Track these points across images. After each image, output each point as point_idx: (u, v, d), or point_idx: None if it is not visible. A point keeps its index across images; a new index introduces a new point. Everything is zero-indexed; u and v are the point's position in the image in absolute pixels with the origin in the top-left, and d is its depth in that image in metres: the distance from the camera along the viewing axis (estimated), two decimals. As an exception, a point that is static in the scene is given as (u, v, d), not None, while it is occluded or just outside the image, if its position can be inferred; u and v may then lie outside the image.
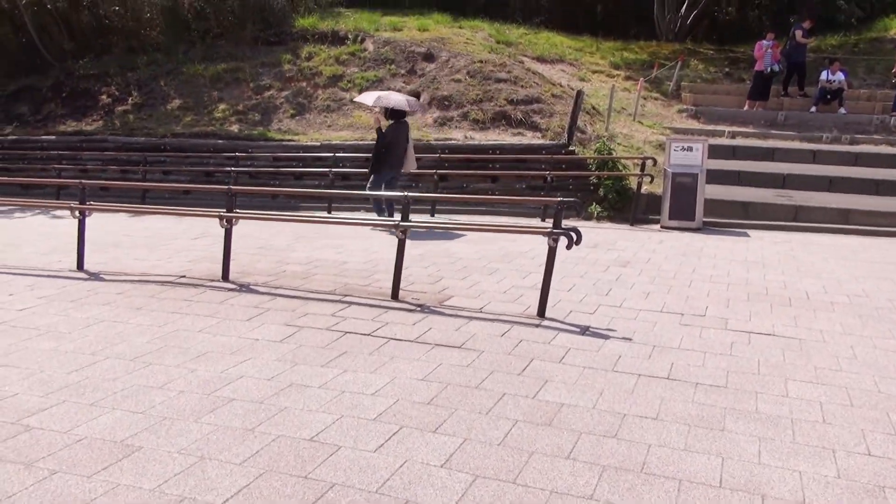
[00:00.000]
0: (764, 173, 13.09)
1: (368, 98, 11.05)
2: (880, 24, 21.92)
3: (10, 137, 16.67)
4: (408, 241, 6.89)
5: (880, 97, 17.02)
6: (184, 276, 7.44)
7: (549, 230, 6.02)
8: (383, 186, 10.90)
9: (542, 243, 6.36)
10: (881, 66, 18.76)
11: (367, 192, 10.13)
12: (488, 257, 8.60)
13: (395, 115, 10.95)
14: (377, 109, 11.69)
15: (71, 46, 19.49)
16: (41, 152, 16.05)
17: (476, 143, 13.77)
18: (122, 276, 7.51)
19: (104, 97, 17.80)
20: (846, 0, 22.71)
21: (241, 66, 17.71)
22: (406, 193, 6.76)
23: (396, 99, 10.96)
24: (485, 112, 14.80)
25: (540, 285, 6.27)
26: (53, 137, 16.32)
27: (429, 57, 16.96)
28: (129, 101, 17.38)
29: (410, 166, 11.21)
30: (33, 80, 19.09)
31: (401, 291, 6.70)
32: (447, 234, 10.05)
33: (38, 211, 13.29)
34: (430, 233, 10.03)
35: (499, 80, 15.67)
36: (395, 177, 11.07)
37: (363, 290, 6.93)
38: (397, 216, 11.12)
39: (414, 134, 14.04)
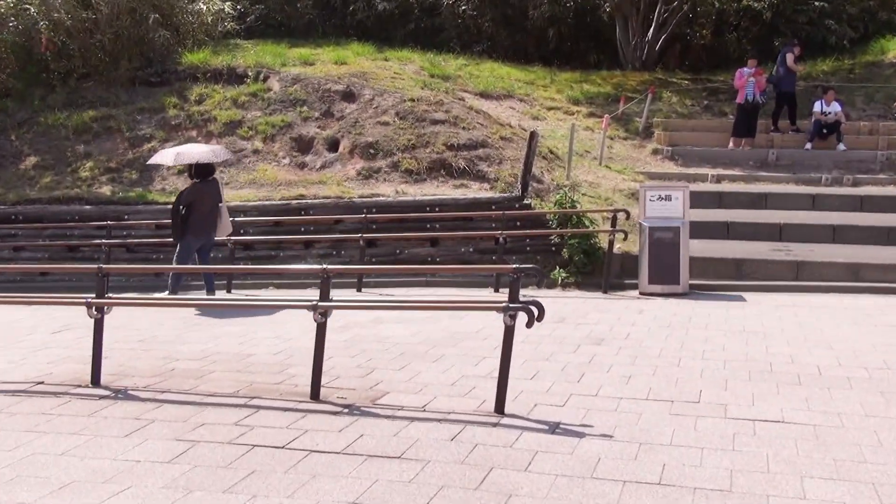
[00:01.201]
0: (757, 223, 13.50)
1: (166, 157, 11.76)
2: (875, 45, 23.19)
3: None
4: (329, 325, 6.82)
5: (883, 130, 17.86)
6: (41, 383, 7.19)
7: (504, 304, 6.04)
8: (194, 258, 11.62)
9: (496, 320, 6.36)
10: (881, 95, 19.76)
11: (174, 267, 11.18)
12: (431, 340, 8.55)
13: (202, 172, 11.59)
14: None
15: None
16: None
17: (410, 198, 13.89)
18: (-41, 386, 7.19)
19: (-63, 157, 17.42)
20: (836, 20, 23.97)
21: (114, 112, 17.64)
22: (325, 266, 6.72)
23: (199, 152, 11.69)
24: (420, 161, 14.98)
25: (496, 374, 6.25)
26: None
27: (349, 96, 17.18)
28: (-29, 160, 17.05)
29: (224, 231, 11.87)
30: None
31: (323, 389, 6.59)
32: (379, 313, 10.00)
33: None
34: (358, 313, 9.96)
35: (435, 122, 15.94)
36: (206, 245, 11.76)
37: (274, 389, 6.79)
38: (214, 292, 11.75)
39: (333, 189, 14.15)
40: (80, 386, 7.04)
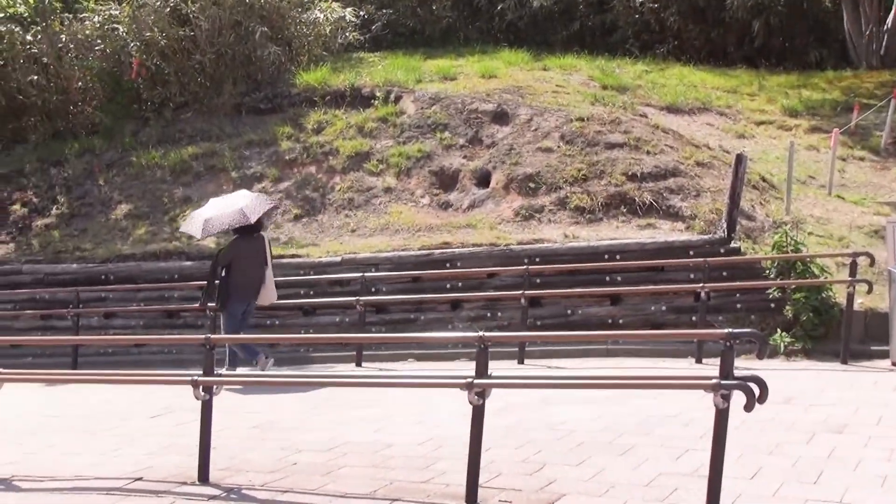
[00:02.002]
0: None
1: (194, 225, 12.40)
2: None
3: None
4: (488, 407, 6.82)
5: None
6: (140, 479, 7.47)
7: (714, 381, 5.88)
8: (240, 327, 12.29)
9: (701, 401, 6.21)
10: None
11: (228, 336, 11.66)
12: (616, 427, 8.42)
13: (243, 228, 12.28)
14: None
15: (-33, 136, 20.63)
16: (-75, 294, 16.69)
17: (583, 244, 13.86)
18: (44, 483, 7.56)
19: (16, 207, 18.67)
20: None
21: (218, 148, 18.46)
22: (481, 333, 6.74)
23: (229, 215, 12.20)
24: (593, 196, 14.96)
25: (704, 471, 6.08)
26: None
27: (501, 117, 17.39)
28: (54, 210, 18.17)
29: (268, 297, 12.52)
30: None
31: (481, 490, 6.58)
32: (545, 392, 9.94)
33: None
34: (522, 392, 9.94)
35: (611, 146, 15.92)
36: (247, 312, 12.42)
37: (420, 489, 6.82)
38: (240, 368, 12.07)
39: (485, 235, 14.26)
40: (184, 483, 7.26)
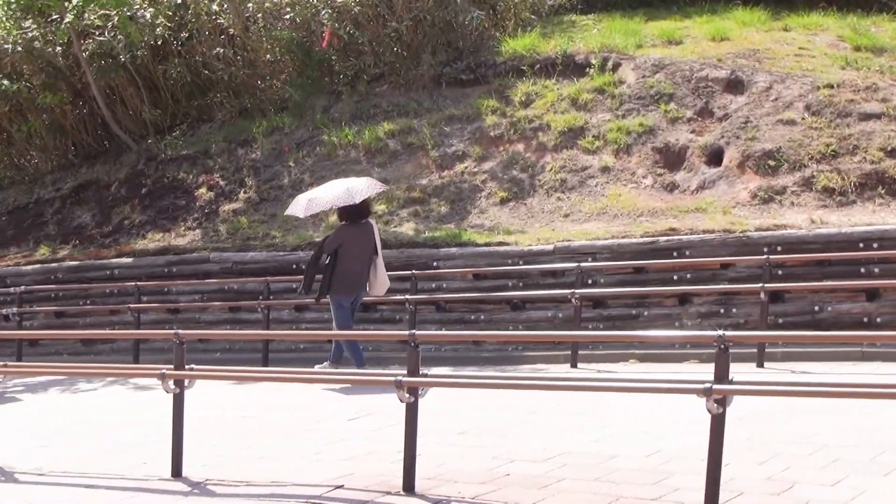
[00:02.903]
0: None
1: (299, 206, 13.04)
2: None
3: (66, 263, 18.57)
4: (730, 414, 6.71)
5: None
6: (341, 487, 7.67)
7: None
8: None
9: None
10: None
11: (339, 333, 12.46)
12: (876, 442, 8.15)
13: (350, 213, 12.75)
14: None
15: (154, 115, 21.65)
16: (111, 284, 17.72)
17: (832, 230, 13.51)
18: (239, 488, 7.87)
19: (203, 191, 19.50)
20: None
21: (415, 124, 18.79)
22: (721, 332, 6.63)
23: (333, 195, 12.68)
24: (845, 175, 14.58)
25: None
26: (129, 260, 18.00)
27: (734, 85, 17.09)
28: (241, 194, 18.86)
29: (381, 286, 12.95)
30: (100, 172, 21.34)
31: (721, 511, 6.49)
32: (791, 400, 9.70)
33: (109, 380, 14.46)
34: (761, 400, 9.74)
35: (866, 117, 15.46)
36: (354, 304, 12.99)
37: (651, 509, 6.78)
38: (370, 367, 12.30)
39: (717, 220, 14.03)
40: (388, 493, 7.40)
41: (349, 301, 12.83)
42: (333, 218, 17.02)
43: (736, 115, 16.38)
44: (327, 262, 12.70)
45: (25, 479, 8.77)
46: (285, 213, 14.69)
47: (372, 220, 13.16)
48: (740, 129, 16.05)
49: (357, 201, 12.66)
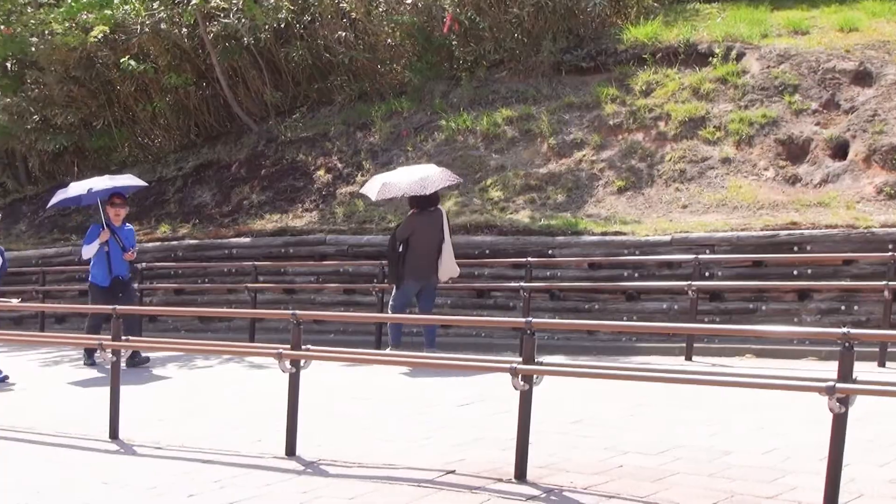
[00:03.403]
0: None
1: (372, 188, 13.67)
2: None
3: (185, 241, 18.96)
4: (851, 413, 6.57)
5: None
6: (452, 472, 7.71)
7: None
8: (410, 308, 13.69)
9: None
10: None
11: (390, 316, 13.35)
12: None
13: (421, 201, 13.32)
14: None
15: (275, 97, 21.93)
16: (229, 263, 18.05)
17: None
18: (352, 469, 7.96)
19: (321, 173, 19.70)
20: None
21: (534, 111, 18.75)
22: (846, 330, 6.50)
23: (407, 183, 13.30)
24: (975, 172, 14.15)
25: None
26: (247, 240, 18.28)
27: (862, 77, 16.75)
28: (358, 177, 19.02)
29: (447, 272, 13.57)
30: (220, 152, 21.73)
31: (842, 512, 6.37)
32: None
33: (225, 358, 14.72)
34: (882, 400, 9.52)
35: None
36: (426, 290, 13.62)
37: (767, 506, 6.68)
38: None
39: (840, 215, 13.77)
40: (500, 480, 7.43)
41: (416, 288, 13.45)
42: (450, 202, 17.14)
43: (863, 108, 16.02)
44: (399, 250, 13.25)
45: (143, 452, 9.02)
46: (359, 191, 14.93)
47: (441, 208, 13.67)
48: (867, 122, 15.70)
49: (428, 192, 13.14)
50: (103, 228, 13.80)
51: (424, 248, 13.22)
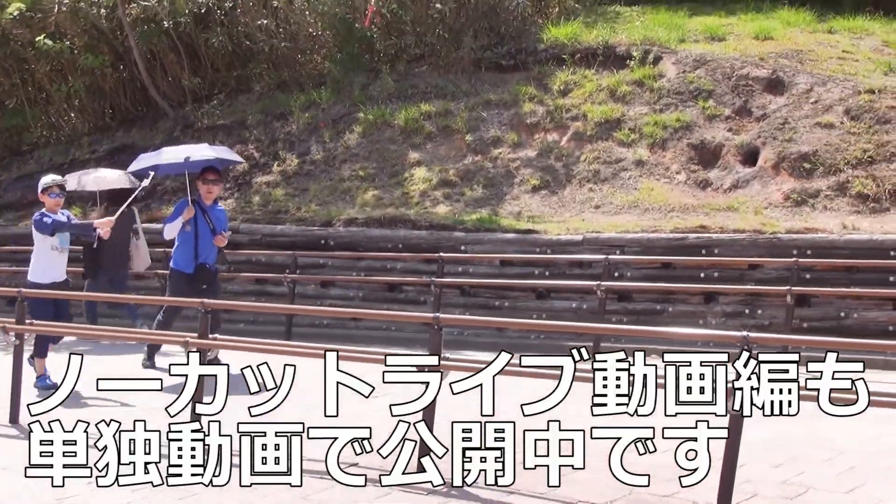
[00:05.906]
0: None
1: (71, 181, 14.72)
2: None
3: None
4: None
5: None
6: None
7: None
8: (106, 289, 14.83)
9: None
10: None
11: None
12: None
13: (114, 199, 14.35)
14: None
15: (193, 83, 21.75)
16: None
17: (864, 237, 13.44)
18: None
19: (238, 161, 19.53)
20: None
21: (452, 107, 18.80)
22: (746, 333, 6.63)
23: (109, 177, 15.28)
24: (880, 182, 14.51)
25: None
26: (158, 226, 17.93)
27: (774, 85, 17.01)
28: (275, 167, 18.94)
29: (141, 264, 15.50)
30: (136, 136, 21.48)
31: (733, 511, 6.48)
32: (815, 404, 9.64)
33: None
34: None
35: (905, 125, 15.30)
36: (116, 278, 15.27)
37: (664, 504, 6.77)
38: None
39: (748, 220, 14.00)
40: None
41: (109, 276, 15.33)
42: (367, 195, 17.14)
43: (774, 116, 16.28)
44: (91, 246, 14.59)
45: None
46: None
47: (133, 209, 15.05)
48: (778, 129, 15.95)
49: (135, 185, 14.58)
50: (188, 206, 12.16)
51: (113, 241, 13.75)
